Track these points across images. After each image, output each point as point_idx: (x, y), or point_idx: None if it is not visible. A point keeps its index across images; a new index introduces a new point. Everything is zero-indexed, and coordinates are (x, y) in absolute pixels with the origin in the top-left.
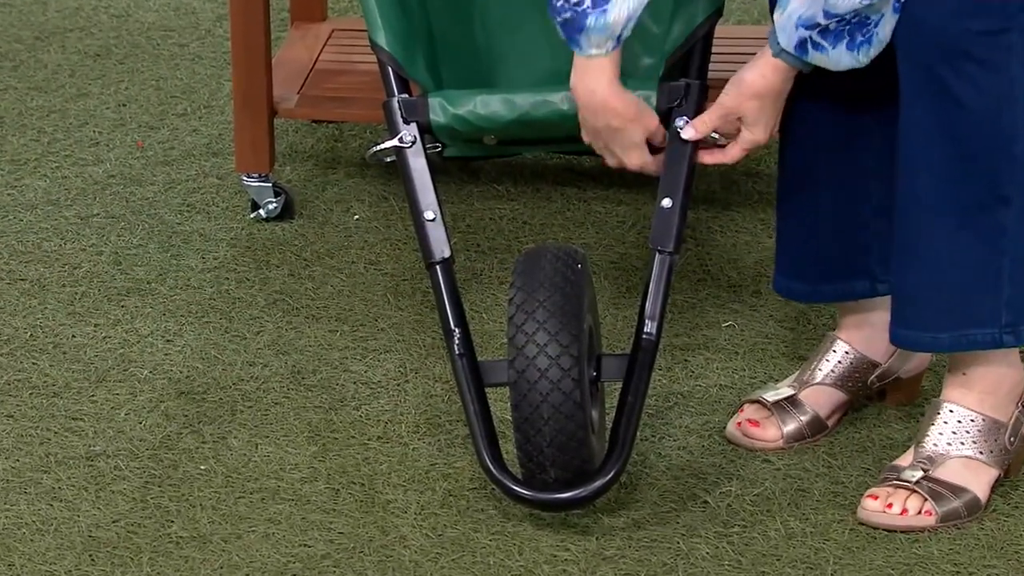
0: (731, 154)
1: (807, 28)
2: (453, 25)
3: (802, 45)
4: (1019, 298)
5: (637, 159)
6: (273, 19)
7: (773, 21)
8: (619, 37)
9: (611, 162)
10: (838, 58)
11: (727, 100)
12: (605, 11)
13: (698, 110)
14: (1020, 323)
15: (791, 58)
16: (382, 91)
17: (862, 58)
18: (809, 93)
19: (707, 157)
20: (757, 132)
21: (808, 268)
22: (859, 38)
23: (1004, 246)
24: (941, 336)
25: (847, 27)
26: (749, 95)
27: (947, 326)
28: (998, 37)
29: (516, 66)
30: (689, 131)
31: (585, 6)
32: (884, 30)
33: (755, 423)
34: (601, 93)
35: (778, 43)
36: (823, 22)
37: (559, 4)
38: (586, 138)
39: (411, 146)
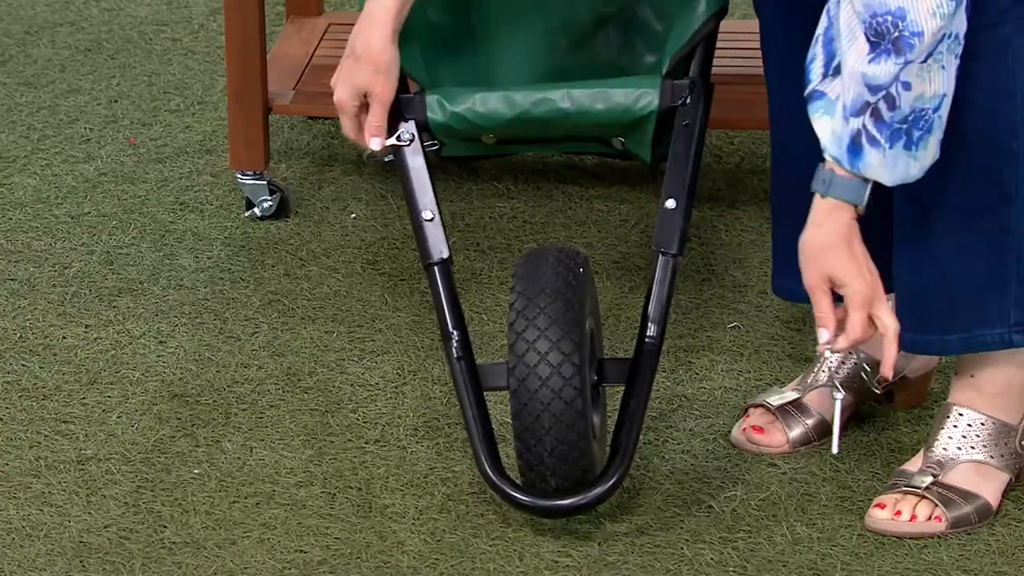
0: (867, 331)
1: (856, 114)
2: (451, 21)
3: (855, 143)
4: None
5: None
6: (268, 13)
7: (823, 163)
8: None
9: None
10: (894, 157)
11: (806, 278)
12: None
13: (705, 109)
14: None
15: (844, 186)
16: None
17: (921, 153)
18: (800, 95)
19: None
20: (856, 285)
21: None
22: (916, 132)
23: (1009, 244)
24: (949, 338)
25: (903, 124)
26: (817, 256)
27: (955, 328)
28: (993, 31)
29: (515, 63)
30: (373, 143)
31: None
32: (945, 109)
33: (759, 430)
34: None
35: (822, 176)
36: (870, 99)
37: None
38: None
39: (409, 144)
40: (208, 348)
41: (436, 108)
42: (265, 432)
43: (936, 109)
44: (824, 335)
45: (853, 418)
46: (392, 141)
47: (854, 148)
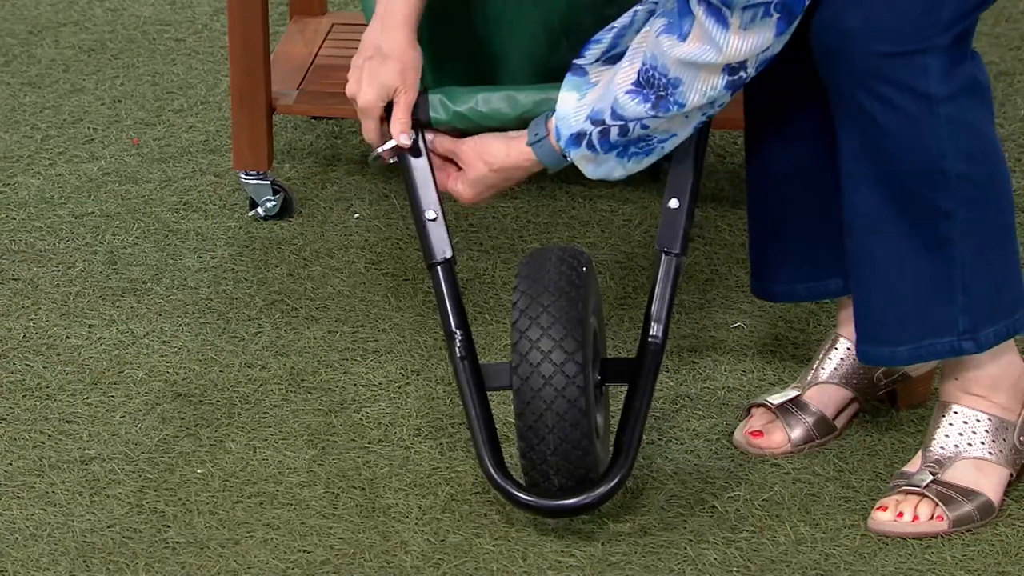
0: (444, 185)
1: (594, 123)
2: (454, 21)
3: (577, 137)
4: (974, 304)
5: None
6: (271, 13)
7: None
8: None
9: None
10: (604, 160)
11: (465, 148)
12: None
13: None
14: (979, 328)
15: (549, 152)
16: None
17: (631, 165)
18: (771, 95)
19: (441, 176)
20: (465, 190)
21: (780, 270)
22: (633, 149)
23: (952, 256)
24: (899, 349)
25: (625, 145)
26: (484, 160)
27: (903, 339)
28: (911, 58)
29: (518, 63)
30: (402, 139)
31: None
32: (671, 144)
33: (758, 433)
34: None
35: (540, 132)
36: (609, 122)
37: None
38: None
39: (412, 144)
40: (212, 348)
41: (439, 107)
42: (268, 432)
43: (662, 141)
44: (403, 139)
45: (856, 418)
46: (396, 141)
47: (574, 138)
